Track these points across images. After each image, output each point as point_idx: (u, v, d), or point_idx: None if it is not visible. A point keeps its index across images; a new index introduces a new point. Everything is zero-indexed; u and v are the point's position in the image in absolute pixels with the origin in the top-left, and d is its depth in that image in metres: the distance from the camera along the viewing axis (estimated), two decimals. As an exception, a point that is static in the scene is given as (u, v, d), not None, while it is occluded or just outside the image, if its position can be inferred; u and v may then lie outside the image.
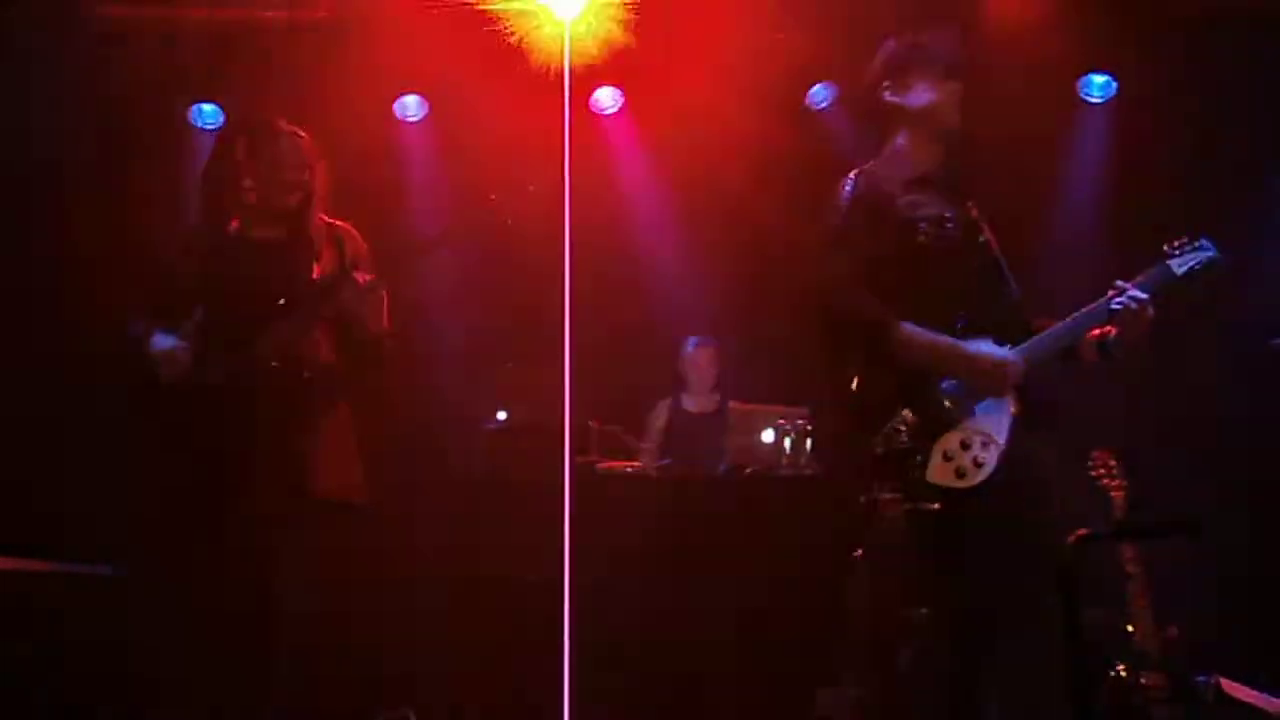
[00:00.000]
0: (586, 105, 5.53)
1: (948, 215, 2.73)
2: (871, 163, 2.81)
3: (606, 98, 5.57)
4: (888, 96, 2.81)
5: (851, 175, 2.79)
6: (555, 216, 4.96)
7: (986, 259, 2.76)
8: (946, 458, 2.60)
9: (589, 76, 5.48)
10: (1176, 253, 2.77)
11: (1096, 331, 2.75)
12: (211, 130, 5.42)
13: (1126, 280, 2.73)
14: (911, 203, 2.72)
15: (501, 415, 4.91)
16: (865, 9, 5.09)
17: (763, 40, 5.18)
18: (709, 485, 4.50)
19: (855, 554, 4.30)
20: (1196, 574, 4.08)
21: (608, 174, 5.58)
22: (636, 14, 5.11)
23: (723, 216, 5.35)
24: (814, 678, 4.06)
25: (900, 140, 2.82)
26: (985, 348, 2.64)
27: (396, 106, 5.51)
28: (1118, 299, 2.70)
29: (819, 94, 5.45)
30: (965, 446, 2.60)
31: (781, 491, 4.31)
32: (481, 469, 4.70)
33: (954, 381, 2.65)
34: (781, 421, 4.30)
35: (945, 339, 2.65)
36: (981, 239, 2.78)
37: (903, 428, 2.63)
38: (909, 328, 2.64)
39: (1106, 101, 5.30)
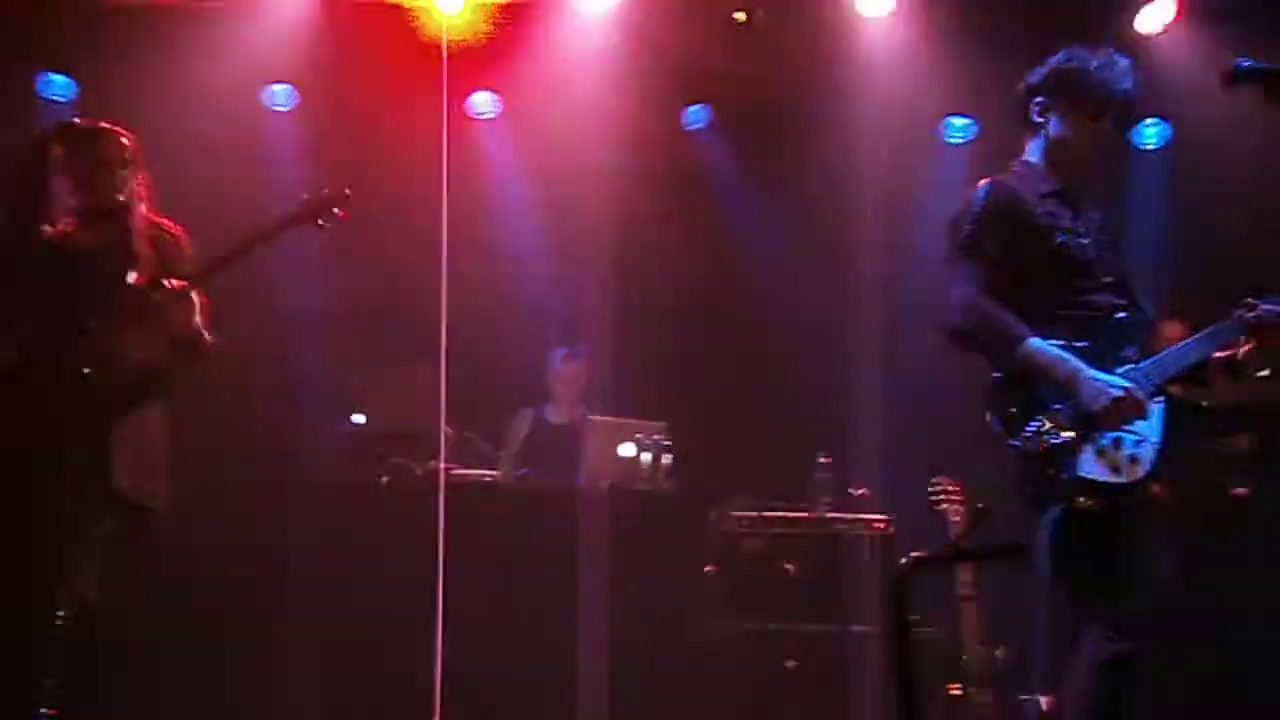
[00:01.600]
0: (463, 108, 5.49)
1: (1080, 228, 2.73)
2: (1003, 175, 2.80)
3: (484, 102, 5.53)
4: (1034, 115, 2.80)
5: (984, 184, 2.75)
6: (427, 218, 4.92)
7: (1120, 275, 2.75)
8: (1100, 453, 2.54)
9: (467, 80, 5.46)
10: None
11: (1221, 354, 2.71)
12: (63, 103, 5.18)
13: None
14: (1048, 212, 2.71)
15: (359, 418, 4.80)
16: (747, 32, 5.23)
17: (644, 58, 5.24)
18: (566, 497, 4.48)
19: (707, 570, 4.40)
20: (1029, 596, 4.26)
21: (482, 179, 5.54)
22: (518, 21, 5.12)
23: (596, 230, 5.36)
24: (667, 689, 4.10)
25: (1034, 155, 2.81)
26: (1110, 378, 2.57)
27: (265, 95, 5.35)
28: (1252, 313, 2.66)
29: (696, 115, 5.54)
30: (1119, 445, 2.55)
31: (638, 506, 4.33)
32: (333, 473, 4.58)
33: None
34: (640, 436, 4.32)
35: (1065, 364, 2.57)
36: (1111, 255, 2.78)
37: (1052, 424, 2.55)
38: (1033, 345, 2.58)
39: (967, 143, 5.53)
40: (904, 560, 2.03)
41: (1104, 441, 2.53)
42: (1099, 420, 2.53)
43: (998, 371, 2.64)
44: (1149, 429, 2.57)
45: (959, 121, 5.52)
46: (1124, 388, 2.55)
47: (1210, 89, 2.67)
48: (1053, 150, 2.77)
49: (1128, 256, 2.84)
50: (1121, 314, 2.67)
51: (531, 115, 5.41)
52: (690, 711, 4.13)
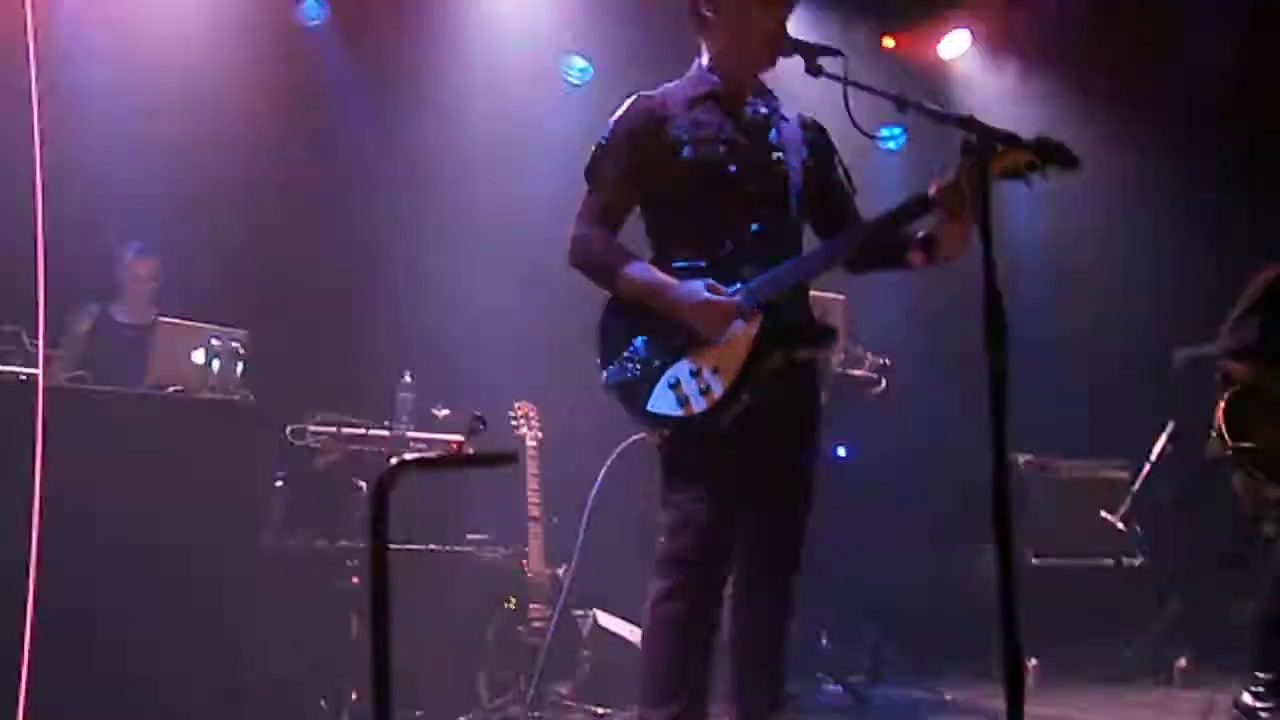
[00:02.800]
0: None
1: (724, 136, 2.63)
2: (662, 85, 2.70)
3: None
4: (704, 10, 2.69)
5: (627, 100, 2.68)
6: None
7: (769, 182, 2.64)
8: (671, 386, 2.54)
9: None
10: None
11: (922, 233, 2.60)
12: None
13: None
14: (692, 122, 2.63)
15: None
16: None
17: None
18: (127, 402, 4.14)
19: (277, 484, 4.26)
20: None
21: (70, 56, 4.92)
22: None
23: (190, 119, 4.93)
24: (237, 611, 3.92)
25: (703, 58, 2.71)
26: (693, 288, 2.55)
27: None
28: (936, 183, 2.48)
29: (311, 9, 5.23)
30: (695, 374, 2.54)
31: (203, 414, 4.08)
32: None
33: None
34: (215, 342, 4.07)
35: (661, 280, 2.58)
36: (773, 157, 2.66)
37: (633, 358, 2.56)
38: (632, 269, 2.60)
39: (585, 85, 5.64)
40: (388, 465, 1.99)
41: (678, 375, 2.53)
42: (694, 331, 2.54)
43: (608, 305, 2.65)
44: (730, 357, 2.53)
45: (579, 62, 5.62)
46: (707, 299, 2.54)
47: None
48: (727, 46, 2.67)
49: (819, 154, 2.73)
50: (754, 226, 2.61)
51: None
52: (251, 625, 3.99)
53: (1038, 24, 5.60)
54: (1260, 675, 3.73)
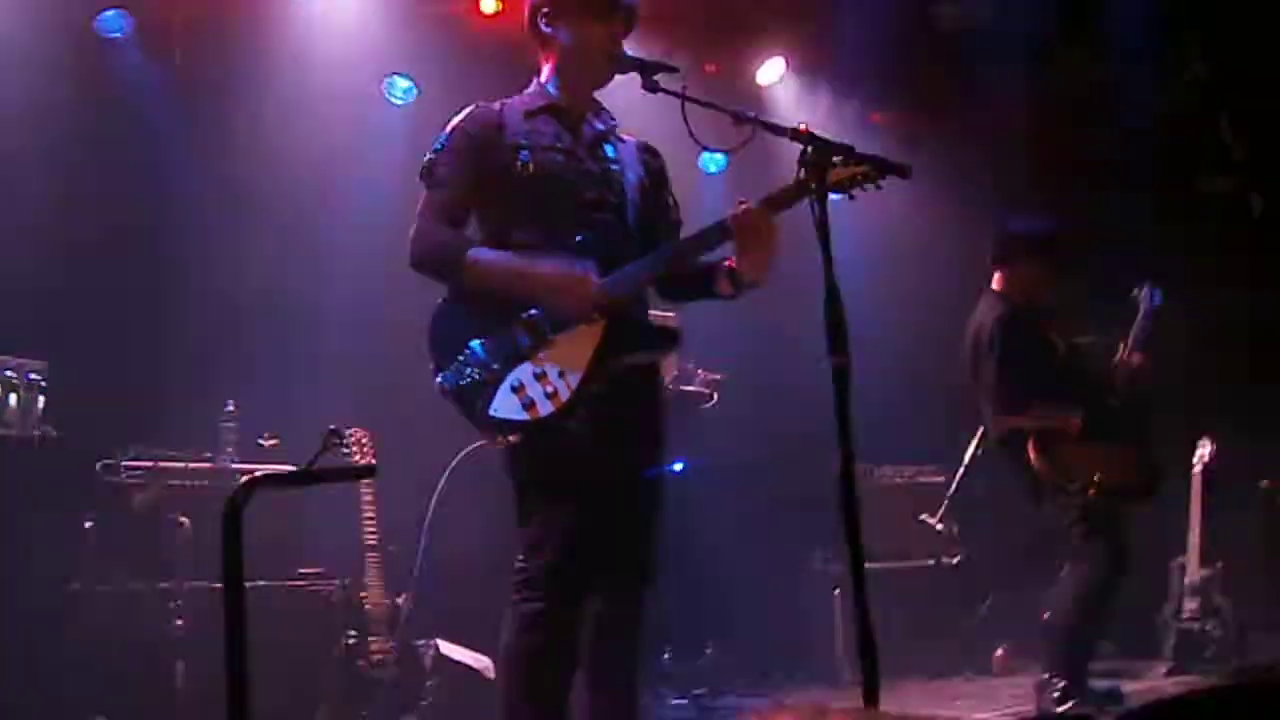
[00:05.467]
0: None
1: (561, 145, 2.65)
2: (499, 99, 2.73)
3: None
4: (543, 25, 2.72)
5: (465, 110, 2.70)
6: None
7: (605, 191, 2.65)
8: (514, 389, 2.47)
9: None
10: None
11: (730, 262, 2.61)
12: None
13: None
14: (529, 130, 2.65)
15: None
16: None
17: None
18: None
19: (87, 524, 3.95)
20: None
21: None
22: None
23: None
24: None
25: (544, 74, 2.75)
26: (558, 264, 2.53)
27: None
28: (733, 213, 2.52)
29: (112, 21, 4.93)
30: (539, 377, 2.48)
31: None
32: None
33: (538, 310, 2.52)
34: (9, 374, 3.75)
35: (517, 259, 2.56)
36: (611, 168, 2.69)
37: (470, 362, 2.49)
38: (480, 251, 2.58)
39: (407, 105, 5.55)
40: (240, 483, 1.89)
41: (521, 378, 2.47)
42: (565, 303, 2.51)
43: (441, 308, 2.59)
44: (574, 358, 2.49)
45: (402, 82, 5.53)
46: (575, 271, 2.52)
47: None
48: (565, 61, 2.70)
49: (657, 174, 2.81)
50: (590, 232, 2.60)
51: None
52: (62, 679, 3.69)
53: (847, 53, 5.88)
54: (1056, 680, 3.91)
